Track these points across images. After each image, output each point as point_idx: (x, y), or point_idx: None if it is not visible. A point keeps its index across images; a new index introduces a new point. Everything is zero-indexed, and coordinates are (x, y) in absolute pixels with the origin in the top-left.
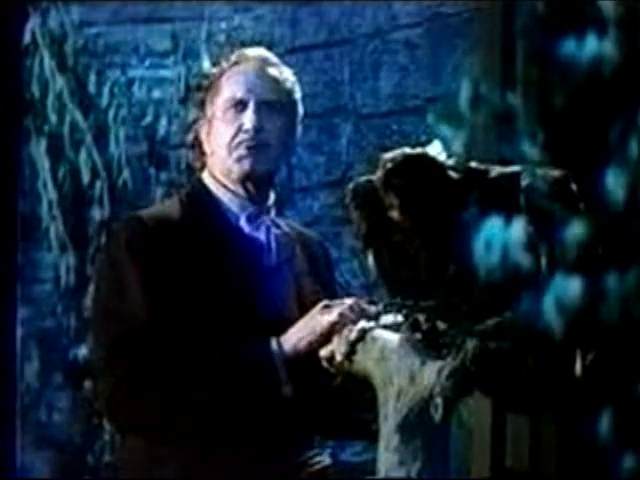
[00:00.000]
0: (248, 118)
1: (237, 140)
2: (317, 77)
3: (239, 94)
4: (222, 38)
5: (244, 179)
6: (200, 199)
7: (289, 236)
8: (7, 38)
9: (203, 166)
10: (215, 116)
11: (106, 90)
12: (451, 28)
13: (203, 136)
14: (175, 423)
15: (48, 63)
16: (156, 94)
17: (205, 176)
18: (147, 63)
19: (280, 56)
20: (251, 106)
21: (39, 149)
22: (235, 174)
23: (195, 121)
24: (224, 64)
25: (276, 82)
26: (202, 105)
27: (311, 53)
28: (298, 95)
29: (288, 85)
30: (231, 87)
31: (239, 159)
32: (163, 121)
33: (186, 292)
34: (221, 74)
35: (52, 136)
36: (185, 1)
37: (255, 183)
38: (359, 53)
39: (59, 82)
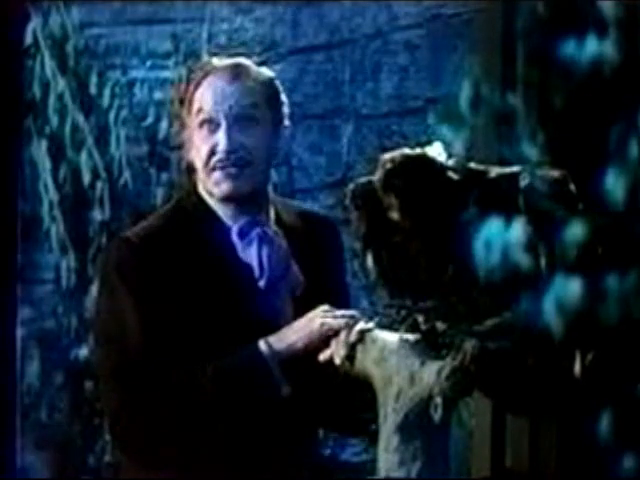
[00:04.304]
0: (221, 140)
1: (212, 161)
2: (318, 78)
3: (209, 112)
4: (223, 39)
5: (227, 200)
6: (192, 209)
7: (284, 249)
8: (8, 39)
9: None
10: (193, 131)
11: (107, 91)
12: (451, 29)
13: (187, 147)
14: (178, 440)
15: (49, 64)
16: (157, 95)
17: (199, 185)
18: (148, 64)
19: (281, 57)
20: (223, 125)
21: (40, 150)
22: (217, 196)
23: (182, 126)
24: (198, 73)
25: (250, 89)
26: (181, 118)
27: (312, 54)
28: (279, 90)
29: (265, 87)
30: (202, 102)
31: (217, 183)
32: (164, 122)
33: (179, 313)
34: (196, 85)
35: (53, 137)
36: (186, 2)
37: (241, 200)
38: (359, 54)
39: (60, 83)
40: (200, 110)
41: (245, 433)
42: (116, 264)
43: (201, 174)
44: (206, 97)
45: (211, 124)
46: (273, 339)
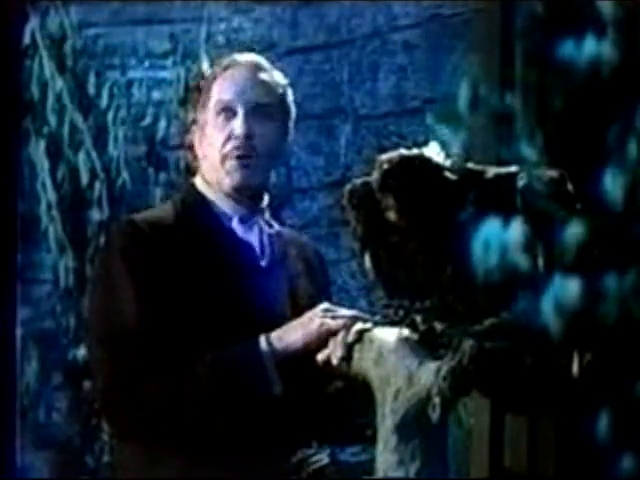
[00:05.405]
0: (238, 125)
1: (227, 147)
2: (316, 78)
3: (228, 100)
4: (221, 39)
5: (235, 191)
6: (193, 203)
7: (282, 237)
8: (7, 39)
9: (195, 171)
10: (207, 121)
11: (105, 91)
12: (450, 29)
13: (196, 139)
14: (170, 425)
15: (47, 64)
16: (155, 95)
17: (197, 180)
18: (146, 64)
19: (279, 57)
20: (240, 112)
21: (38, 150)
22: (226, 186)
23: (192, 123)
24: (216, 68)
25: (267, 87)
26: (194, 108)
27: (310, 54)
28: (290, 99)
29: (280, 90)
30: (221, 92)
31: (230, 172)
32: (162, 122)
33: (179, 295)
34: (213, 78)
35: (51, 137)
36: (184, 2)
37: (247, 193)
38: (358, 54)
39: (58, 83)
40: (218, 100)
41: (237, 426)
42: (120, 244)
43: (212, 165)
44: (225, 87)
45: (228, 112)
46: (274, 336)
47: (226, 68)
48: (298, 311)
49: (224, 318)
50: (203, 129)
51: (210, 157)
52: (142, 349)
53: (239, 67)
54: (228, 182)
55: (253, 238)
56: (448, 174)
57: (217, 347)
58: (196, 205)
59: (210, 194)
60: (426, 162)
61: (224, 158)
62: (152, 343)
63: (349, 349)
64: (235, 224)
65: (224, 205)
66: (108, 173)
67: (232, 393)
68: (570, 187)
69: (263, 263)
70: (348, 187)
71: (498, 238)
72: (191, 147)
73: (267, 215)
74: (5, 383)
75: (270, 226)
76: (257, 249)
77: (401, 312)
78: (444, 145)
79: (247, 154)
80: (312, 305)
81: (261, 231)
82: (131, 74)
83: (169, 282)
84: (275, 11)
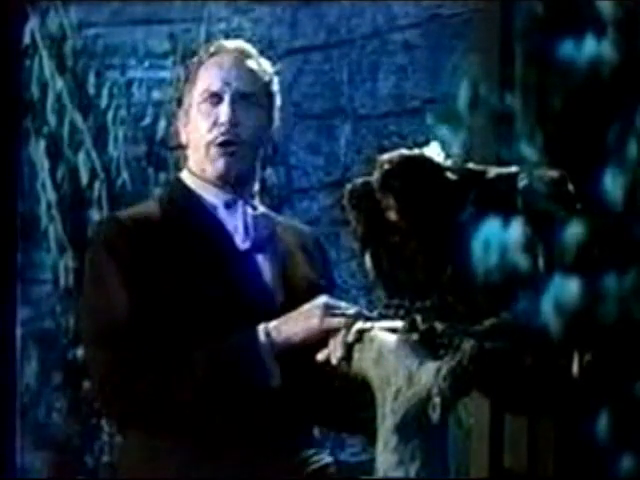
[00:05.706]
0: (223, 112)
1: (212, 134)
2: (316, 78)
3: (214, 86)
4: (221, 39)
5: (218, 179)
6: (179, 195)
7: (270, 219)
8: (6, 39)
9: (183, 164)
10: (191, 108)
11: (105, 91)
12: (450, 29)
13: (180, 127)
14: (168, 419)
15: (47, 64)
16: (155, 95)
17: (183, 173)
18: (146, 64)
19: (279, 57)
20: (226, 99)
21: (38, 150)
22: (209, 174)
23: (177, 107)
24: (203, 54)
25: (253, 74)
26: (181, 96)
27: (310, 54)
28: (276, 87)
29: (265, 77)
30: (207, 79)
31: (213, 160)
32: (162, 122)
33: (166, 284)
34: (199, 65)
35: (51, 137)
36: (184, 2)
37: (230, 181)
38: (358, 54)
39: (58, 83)
40: (204, 86)
41: (235, 419)
42: (104, 239)
43: (196, 152)
44: (213, 72)
45: (214, 98)
46: (273, 328)
47: (212, 54)
48: (295, 294)
49: (213, 304)
50: (187, 115)
51: (194, 144)
52: (136, 343)
53: (225, 54)
54: (211, 170)
55: (237, 222)
56: (448, 174)
57: (208, 334)
58: (182, 198)
59: (195, 185)
60: (426, 162)
61: (208, 145)
62: (146, 337)
63: (349, 349)
64: (221, 211)
65: (209, 194)
66: (108, 173)
67: (230, 385)
68: (570, 187)
69: (247, 245)
70: (348, 187)
71: (498, 238)
72: (177, 134)
73: (256, 201)
74: (5, 383)
75: (254, 209)
76: (241, 232)
77: (401, 312)
78: (444, 145)
79: (232, 141)
80: (311, 290)
81: (244, 214)
82: (131, 74)
83: (155, 272)
84: (275, 11)
